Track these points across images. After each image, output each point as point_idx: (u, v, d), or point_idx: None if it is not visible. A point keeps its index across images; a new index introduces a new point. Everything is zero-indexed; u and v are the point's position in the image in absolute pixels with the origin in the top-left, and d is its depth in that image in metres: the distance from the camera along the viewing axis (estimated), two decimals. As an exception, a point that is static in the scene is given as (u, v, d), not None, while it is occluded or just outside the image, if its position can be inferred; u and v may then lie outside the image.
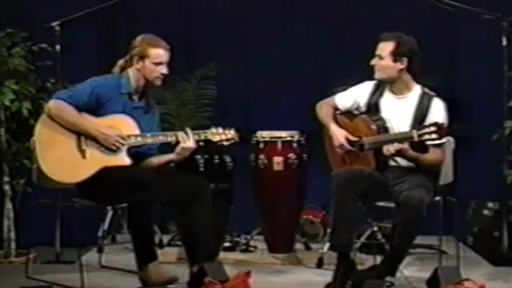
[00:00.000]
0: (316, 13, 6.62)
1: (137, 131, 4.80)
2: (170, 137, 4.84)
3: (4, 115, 5.68)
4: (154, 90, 5.13)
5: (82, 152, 4.73)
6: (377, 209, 5.21)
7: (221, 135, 4.88)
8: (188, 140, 4.81)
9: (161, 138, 4.84)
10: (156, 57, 4.85)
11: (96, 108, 4.78)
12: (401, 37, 4.89)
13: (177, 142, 4.83)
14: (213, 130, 4.89)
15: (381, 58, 4.90)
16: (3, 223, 5.77)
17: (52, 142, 4.71)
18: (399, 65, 4.89)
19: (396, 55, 4.87)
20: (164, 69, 4.88)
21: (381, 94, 5.00)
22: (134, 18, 6.59)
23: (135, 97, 4.89)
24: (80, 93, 4.77)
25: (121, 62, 4.96)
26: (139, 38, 4.91)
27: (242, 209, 5.92)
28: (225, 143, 4.92)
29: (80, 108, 4.75)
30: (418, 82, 4.99)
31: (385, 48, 4.88)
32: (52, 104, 4.75)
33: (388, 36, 4.91)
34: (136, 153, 4.85)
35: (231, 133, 4.91)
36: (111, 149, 4.74)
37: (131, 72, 4.89)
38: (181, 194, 4.80)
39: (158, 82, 4.91)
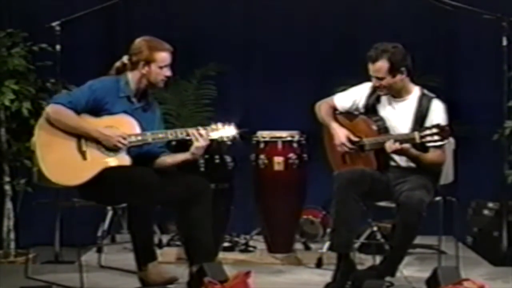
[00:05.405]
0: (317, 13, 6.61)
1: (137, 130, 4.79)
2: (180, 134, 4.80)
3: (4, 115, 5.68)
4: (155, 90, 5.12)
5: (83, 154, 4.71)
6: (377, 209, 5.22)
7: (220, 131, 4.87)
8: (201, 139, 4.79)
9: (161, 136, 4.81)
10: (162, 61, 4.82)
11: (94, 110, 4.76)
12: (389, 51, 4.80)
13: (186, 140, 4.82)
14: (213, 126, 4.88)
15: (380, 79, 4.83)
16: (3, 223, 5.77)
17: (52, 145, 4.69)
18: (400, 77, 4.85)
19: (394, 71, 4.81)
20: (168, 72, 4.87)
21: (380, 96, 4.98)
22: (134, 18, 6.59)
23: (134, 99, 4.87)
24: (78, 98, 4.74)
25: (118, 64, 4.92)
26: (140, 42, 4.85)
27: (242, 209, 5.92)
28: (226, 139, 4.92)
29: (78, 112, 4.72)
30: (416, 83, 4.97)
31: (380, 69, 4.81)
32: (51, 109, 4.71)
33: (377, 55, 4.79)
34: (147, 152, 4.85)
35: (231, 129, 4.89)
36: (113, 149, 4.72)
37: (130, 75, 4.86)
38: (181, 194, 4.79)
39: (162, 85, 4.90)
